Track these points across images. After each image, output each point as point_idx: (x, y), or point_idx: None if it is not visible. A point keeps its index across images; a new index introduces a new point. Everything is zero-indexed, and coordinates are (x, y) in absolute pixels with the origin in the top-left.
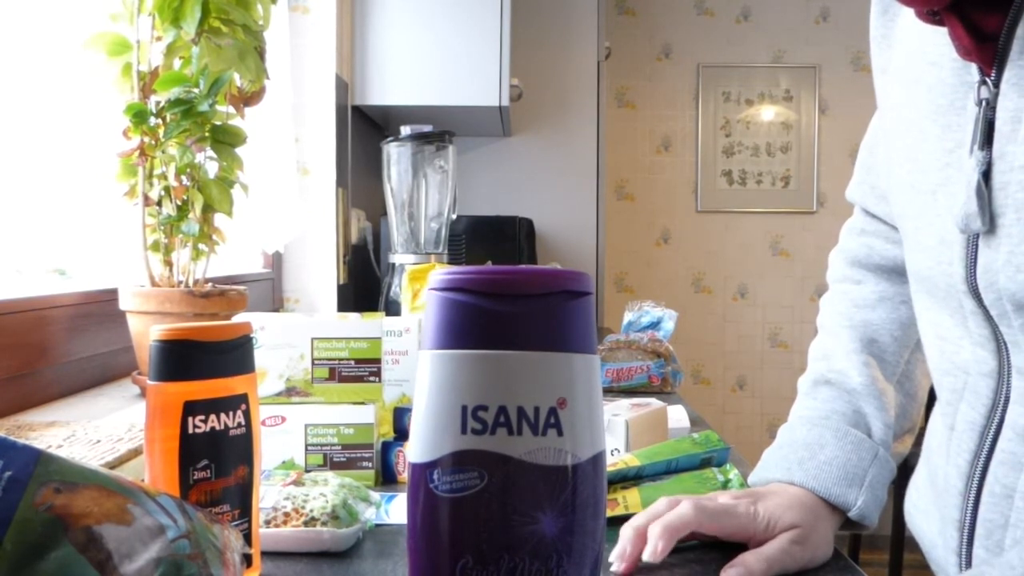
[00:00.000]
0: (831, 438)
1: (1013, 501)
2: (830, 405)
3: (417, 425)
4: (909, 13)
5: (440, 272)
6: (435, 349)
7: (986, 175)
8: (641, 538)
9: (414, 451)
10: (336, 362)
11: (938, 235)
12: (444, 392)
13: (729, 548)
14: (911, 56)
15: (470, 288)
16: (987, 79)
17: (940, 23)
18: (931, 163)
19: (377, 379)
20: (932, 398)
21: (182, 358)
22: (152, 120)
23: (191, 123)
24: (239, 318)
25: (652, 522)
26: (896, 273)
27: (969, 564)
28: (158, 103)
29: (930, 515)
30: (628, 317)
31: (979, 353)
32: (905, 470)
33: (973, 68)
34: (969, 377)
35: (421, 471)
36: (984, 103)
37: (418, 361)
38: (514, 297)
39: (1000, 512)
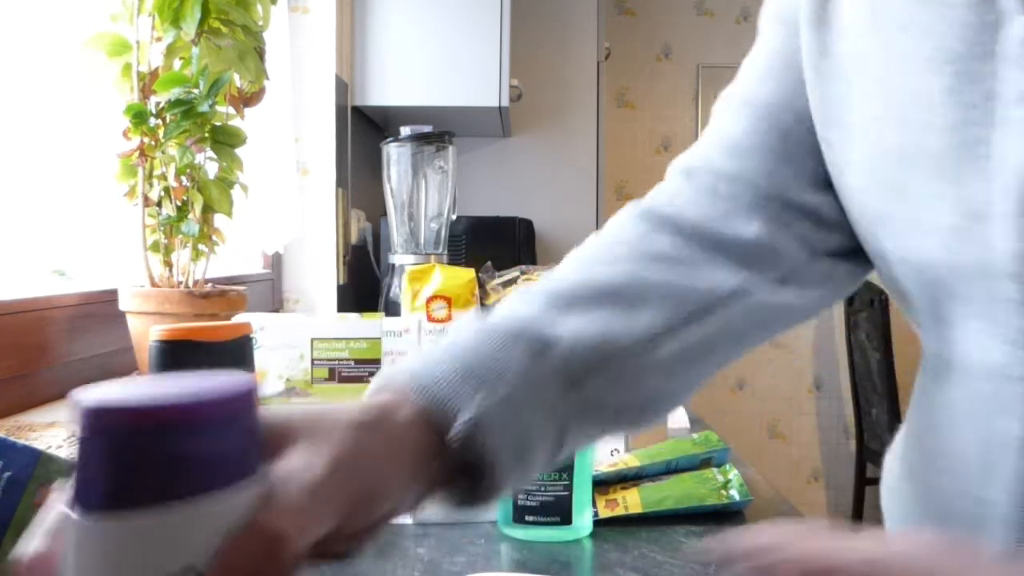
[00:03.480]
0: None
1: None
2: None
3: None
4: None
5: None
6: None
7: None
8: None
9: None
10: (336, 362)
11: (959, 211)
12: None
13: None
14: (884, 9)
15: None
16: None
17: None
18: (936, 122)
19: None
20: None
21: (182, 358)
22: (152, 121)
23: (191, 124)
24: (239, 318)
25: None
26: (742, 260)
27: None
28: (158, 104)
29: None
30: None
31: (1014, 352)
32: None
33: (1000, 2)
34: (1001, 382)
35: None
36: None
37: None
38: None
39: None
